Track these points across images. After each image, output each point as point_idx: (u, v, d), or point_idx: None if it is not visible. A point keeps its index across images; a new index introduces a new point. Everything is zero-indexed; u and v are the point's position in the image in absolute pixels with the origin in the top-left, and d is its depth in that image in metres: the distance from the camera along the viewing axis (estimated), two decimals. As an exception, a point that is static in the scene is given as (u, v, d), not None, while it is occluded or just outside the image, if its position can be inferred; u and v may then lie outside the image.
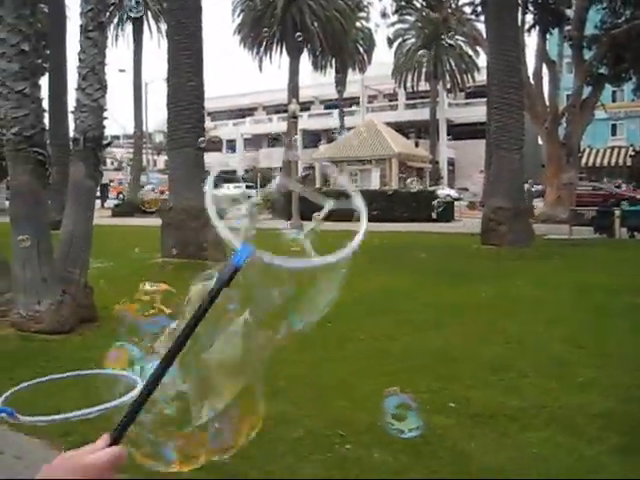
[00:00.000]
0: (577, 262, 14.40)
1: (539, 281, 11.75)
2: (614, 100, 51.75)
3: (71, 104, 9.04)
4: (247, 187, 43.15)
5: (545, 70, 29.27)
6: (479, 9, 29.47)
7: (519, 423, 4.92)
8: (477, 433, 4.77)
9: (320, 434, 4.77)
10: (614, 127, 57.02)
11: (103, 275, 11.46)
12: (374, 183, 42.02)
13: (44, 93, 9.21)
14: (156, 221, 16.74)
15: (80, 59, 8.61)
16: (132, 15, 36.62)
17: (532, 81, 27.77)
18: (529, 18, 27.27)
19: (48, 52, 26.15)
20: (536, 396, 5.48)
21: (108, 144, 10.29)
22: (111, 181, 52.69)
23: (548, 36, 28.99)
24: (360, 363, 6.64)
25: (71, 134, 9.20)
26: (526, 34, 27.65)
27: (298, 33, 39.86)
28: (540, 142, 34.59)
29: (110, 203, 42.38)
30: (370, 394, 5.53)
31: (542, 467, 4.26)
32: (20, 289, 7.90)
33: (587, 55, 27.14)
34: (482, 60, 48.57)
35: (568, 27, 27.57)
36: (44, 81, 24.27)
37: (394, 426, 1.31)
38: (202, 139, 15.36)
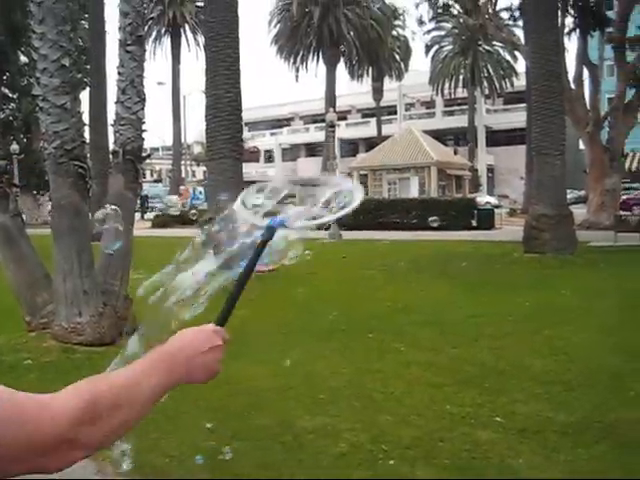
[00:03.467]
0: (623, 269, 14.02)
1: (584, 290, 11.46)
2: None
3: (111, 117, 9.13)
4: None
5: (586, 73, 28.77)
6: (517, 14, 29.15)
7: (568, 439, 4.74)
8: (524, 449, 4.60)
9: (363, 449, 4.66)
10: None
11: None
12: (413, 191, 41.79)
13: (84, 106, 9.32)
14: (195, 232, 16.83)
15: (119, 73, 8.68)
16: None
17: (573, 85, 27.30)
18: (569, 21, 26.84)
19: (88, 66, 26.63)
20: (585, 410, 5.28)
21: (147, 156, 10.37)
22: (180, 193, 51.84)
23: (589, 38, 28.48)
24: (403, 375, 6.51)
25: (111, 147, 9.27)
26: (566, 37, 27.22)
27: (339, 46, 39.87)
28: (582, 147, 33.95)
29: (150, 215, 42.70)
30: (414, 407, 5.41)
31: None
32: (61, 301, 7.95)
33: (630, 57, 26.58)
34: (520, 65, 48.11)
35: (609, 29, 27.05)
36: (84, 95, 24.77)
37: None
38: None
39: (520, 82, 47.46)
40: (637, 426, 4.91)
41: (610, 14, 26.90)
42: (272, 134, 76.46)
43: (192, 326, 1.19)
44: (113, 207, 6.14)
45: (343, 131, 63.35)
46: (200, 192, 48.56)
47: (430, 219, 22.12)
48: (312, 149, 70.76)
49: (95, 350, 7.57)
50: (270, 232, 1.21)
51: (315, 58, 50.97)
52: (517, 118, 51.16)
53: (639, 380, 6.07)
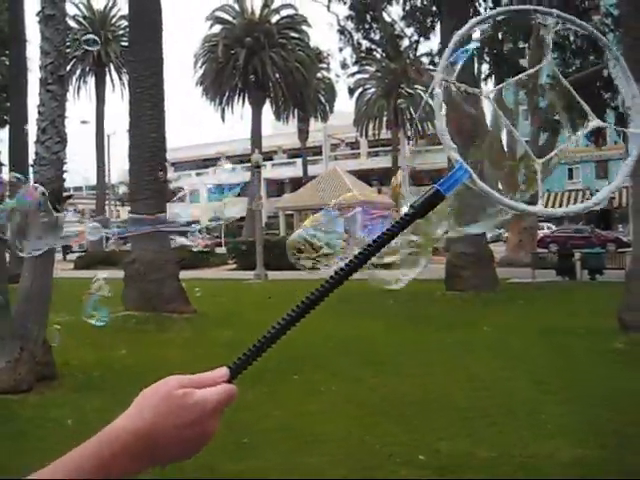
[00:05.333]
0: (541, 305, 14.51)
1: (504, 326, 11.79)
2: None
3: (32, 157, 8.93)
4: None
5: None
6: (436, 59, 30.18)
7: (487, 474, 4.84)
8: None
9: (289, 491, 4.64)
10: (570, 171, 58.34)
11: (63, 330, 11.18)
12: (339, 231, 42.16)
13: (4, 145, 9.10)
14: (119, 273, 16.50)
15: (40, 112, 8.53)
16: (89, 49, 36.81)
17: (490, 128, 28.33)
18: (485, 68, 28.01)
19: (9, 104, 26.01)
20: (505, 445, 5.41)
21: (69, 197, 10.17)
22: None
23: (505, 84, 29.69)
24: (331, 415, 6.52)
25: (30, 187, 9.06)
26: (482, 83, 28.34)
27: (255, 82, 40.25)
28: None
29: (73, 256, 41.79)
30: (342, 447, 5.43)
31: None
32: (-24, 347, 7.65)
33: (542, 103, 27.88)
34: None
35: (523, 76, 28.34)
36: (4, 133, 24.14)
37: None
38: (161, 173, 15.29)
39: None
40: (549, 460, 5.05)
41: (523, 62, 28.21)
42: (198, 174, 76.08)
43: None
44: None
45: (269, 171, 63.65)
46: None
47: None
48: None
49: (11, 398, 7.29)
50: (451, 183, 0.91)
51: (241, 99, 51.31)
52: (439, 159, 52.62)
53: (554, 413, 6.27)
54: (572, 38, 27.16)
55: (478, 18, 1.02)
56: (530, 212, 0.99)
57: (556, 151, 1.09)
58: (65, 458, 0.82)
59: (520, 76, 1.01)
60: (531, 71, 1.02)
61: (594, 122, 1.04)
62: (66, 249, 44.88)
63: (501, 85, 1.05)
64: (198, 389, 0.88)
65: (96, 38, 13.48)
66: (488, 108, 1.05)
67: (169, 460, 0.88)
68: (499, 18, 1.11)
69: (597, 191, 1.03)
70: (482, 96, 1.03)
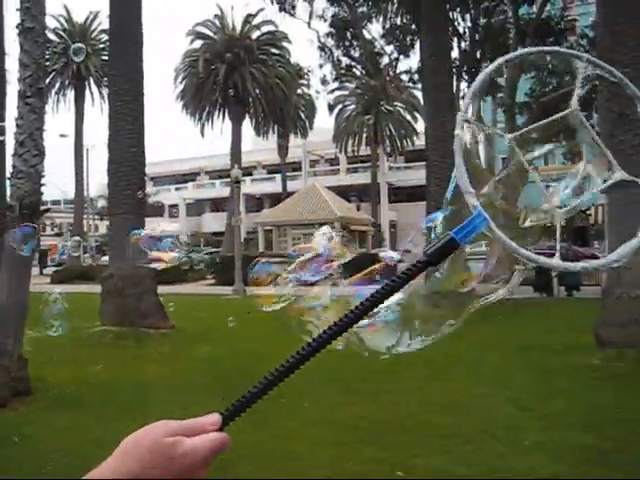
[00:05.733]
0: (518, 322, 14.59)
1: (481, 342, 11.81)
2: (546, 163, 53.81)
3: (9, 170, 8.85)
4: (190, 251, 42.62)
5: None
6: (416, 77, 30.48)
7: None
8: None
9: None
10: (547, 188, 59.11)
11: (39, 345, 11.04)
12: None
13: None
14: (97, 288, 16.35)
15: (18, 125, 8.48)
16: (75, 60, 36.58)
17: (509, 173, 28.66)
18: (464, 86, 28.31)
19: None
20: (483, 462, 5.42)
21: (46, 210, 10.09)
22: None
23: (482, 103, 30.08)
24: (305, 434, 6.48)
25: (8, 200, 8.97)
26: (461, 101, 28.63)
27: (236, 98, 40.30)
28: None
29: (49, 270, 41.42)
30: (316, 467, 5.40)
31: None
32: (-51, 362, 7.53)
33: (519, 121, 28.24)
34: (420, 125, 49.98)
35: (501, 94, 28.71)
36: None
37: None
38: (140, 192, 15.21)
39: (420, 141, 49.27)
40: (527, 477, 5.06)
41: (500, 80, 28.59)
42: (177, 189, 75.83)
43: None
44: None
45: (248, 187, 63.58)
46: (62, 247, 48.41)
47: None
48: (217, 204, 70.49)
49: (-16, 414, 7.18)
50: (468, 230, 0.87)
51: (221, 114, 51.34)
52: (418, 175, 52.90)
53: (532, 429, 6.29)
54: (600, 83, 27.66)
55: (506, 57, 0.98)
56: (547, 265, 0.95)
57: (576, 204, 1.06)
58: None
59: (547, 120, 0.97)
60: (559, 115, 0.96)
61: (618, 174, 1.00)
62: (43, 263, 44.47)
63: (526, 129, 1.01)
64: (187, 437, 0.81)
65: (82, 46, 13.37)
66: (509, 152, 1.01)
67: None
68: (529, 58, 1.08)
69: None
70: (506, 139, 0.98)
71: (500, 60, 0.99)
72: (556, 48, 1.02)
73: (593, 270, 0.97)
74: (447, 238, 0.88)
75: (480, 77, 0.97)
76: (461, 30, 28.11)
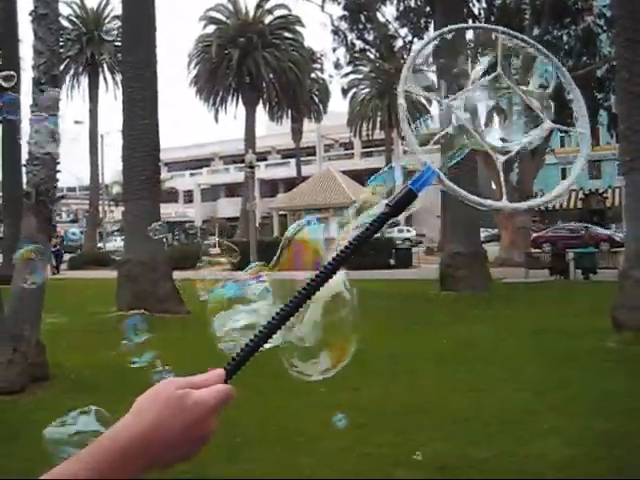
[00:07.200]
0: (535, 305, 14.53)
1: (499, 326, 11.80)
2: (562, 145, 53.33)
3: (24, 156, 8.89)
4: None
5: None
6: (430, 60, 30.25)
7: (484, 474, 4.84)
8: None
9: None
10: (564, 171, 58.44)
11: (56, 331, 11.15)
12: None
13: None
14: (113, 274, 16.46)
15: (32, 112, 8.50)
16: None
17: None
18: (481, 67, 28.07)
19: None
20: (498, 446, 5.41)
21: (61, 197, 10.13)
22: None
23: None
24: (322, 416, 6.49)
25: (24, 187, 9.01)
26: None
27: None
28: (493, 187, 35.22)
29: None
30: (333, 449, 5.41)
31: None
32: (-32, 348, 7.61)
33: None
34: (434, 107, 49.60)
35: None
36: (-4, 133, 24.02)
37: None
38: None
39: (435, 125, 49.00)
40: (543, 460, 5.05)
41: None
42: (191, 174, 75.96)
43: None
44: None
45: (263, 172, 63.56)
46: (73, 233, 48.24)
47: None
48: (232, 190, 70.57)
49: (3, 399, 7.25)
50: (421, 182, 0.96)
51: (234, 99, 51.23)
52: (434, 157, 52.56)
53: (549, 413, 6.27)
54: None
55: (430, 37, 1.14)
56: (495, 208, 1.05)
57: (517, 148, 1.18)
58: (64, 465, 0.81)
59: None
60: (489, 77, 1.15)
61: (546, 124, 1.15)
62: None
63: (460, 92, 1.16)
64: (195, 390, 0.88)
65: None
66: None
67: (171, 462, 0.88)
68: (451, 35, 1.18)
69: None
70: (442, 103, 1.15)
71: (425, 41, 1.16)
72: (474, 24, 1.16)
73: (537, 207, 1.17)
74: (406, 189, 0.97)
75: (410, 57, 1.16)
76: (476, 11, 27.84)
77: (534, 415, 6.28)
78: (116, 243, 47.54)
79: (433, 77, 1.42)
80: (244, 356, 0.94)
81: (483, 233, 26.57)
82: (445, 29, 1.16)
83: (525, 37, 1.16)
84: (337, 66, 36.08)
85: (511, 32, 1.14)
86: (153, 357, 1.15)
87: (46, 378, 8.12)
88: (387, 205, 0.97)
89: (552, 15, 25.39)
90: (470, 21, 26.57)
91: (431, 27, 27.37)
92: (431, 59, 1.17)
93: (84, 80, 49.73)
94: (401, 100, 1.11)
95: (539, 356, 9.09)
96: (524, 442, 5.48)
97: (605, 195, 51.25)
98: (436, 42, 1.17)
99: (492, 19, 27.02)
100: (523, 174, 28.72)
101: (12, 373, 7.58)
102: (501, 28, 1.14)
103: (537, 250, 29.50)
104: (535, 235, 36.26)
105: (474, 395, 7.15)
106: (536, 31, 25.27)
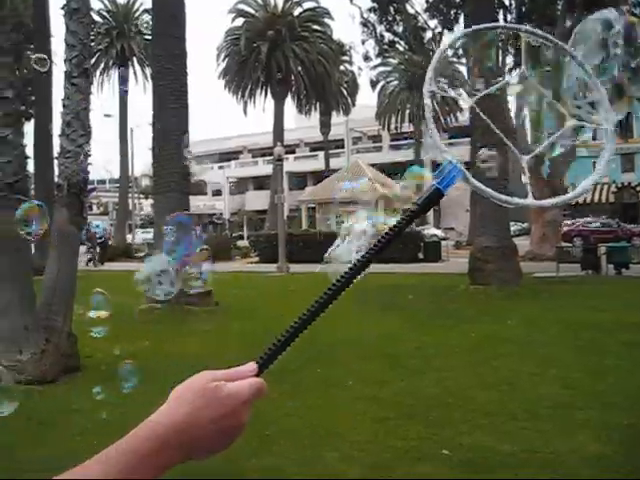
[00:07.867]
0: (566, 300, 14.36)
1: (528, 320, 11.69)
2: (594, 138, 52.50)
3: (56, 149, 9.00)
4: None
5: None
6: (460, 52, 29.98)
7: (511, 469, 4.80)
8: (470, 480, 4.64)
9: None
10: (595, 165, 57.80)
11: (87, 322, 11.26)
12: (361, 224, 42.07)
13: (29, 139, 9.18)
14: (142, 266, 16.60)
15: (64, 105, 8.59)
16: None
17: (515, 120, 28.12)
18: (510, 60, 27.72)
19: (33, 98, 26.22)
20: (528, 440, 5.37)
21: (92, 190, 10.23)
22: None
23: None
24: (349, 410, 6.50)
25: (56, 180, 9.12)
26: (508, 74, 28.05)
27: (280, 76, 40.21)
28: (524, 180, 34.88)
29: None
30: (359, 443, 5.41)
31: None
32: (0, 338, 7.73)
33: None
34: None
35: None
36: (30, 126, 24.33)
37: None
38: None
39: (464, 117, 48.59)
40: (573, 456, 4.99)
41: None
42: (220, 167, 76.31)
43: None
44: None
45: (291, 164, 63.61)
46: (97, 225, 48.59)
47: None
48: (260, 182, 70.75)
49: (36, 389, 7.35)
50: (448, 181, 0.98)
51: (263, 92, 51.32)
52: (462, 152, 52.32)
53: (579, 408, 6.20)
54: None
55: (454, 36, 1.16)
56: (521, 205, 1.11)
57: (539, 149, 1.24)
58: (101, 455, 0.83)
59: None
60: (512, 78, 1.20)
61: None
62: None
63: (486, 91, 1.24)
64: (229, 382, 0.92)
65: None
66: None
67: (206, 453, 0.90)
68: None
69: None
70: (467, 103, 1.18)
71: (452, 38, 1.19)
72: (500, 24, 1.17)
73: (562, 204, 1.16)
74: (432, 189, 0.99)
75: (436, 56, 1.15)
76: (507, 2, 27.48)
77: (564, 409, 6.22)
78: (143, 236, 47.72)
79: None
80: (275, 350, 0.97)
81: (513, 227, 26.28)
82: (459, 33, 1.21)
83: (548, 35, 1.17)
84: (366, 58, 35.98)
85: (536, 31, 1.17)
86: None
87: (78, 369, 8.24)
88: (414, 204, 1.00)
89: (585, 5, 24.96)
90: (500, 12, 26.28)
91: (461, 19, 27.11)
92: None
93: (114, 73, 50.24)
94: (427, 100, 1.12)
95: (570, 350, 8.98)
96: (552, 436, 5.43)
97: (638, 189, 50.41)
98: (461, 41, 1.21)
99: (523, 9, 26.68)
100: (554, 168, 28.36)
101: (45, 364, 7.70)
102: (525, 27, 1.16)
103: (568, 244, 29.14)
104: (566, 229, 35.79)
105: (503, 389, 7.10)
106: (568, 23, 24.88)
